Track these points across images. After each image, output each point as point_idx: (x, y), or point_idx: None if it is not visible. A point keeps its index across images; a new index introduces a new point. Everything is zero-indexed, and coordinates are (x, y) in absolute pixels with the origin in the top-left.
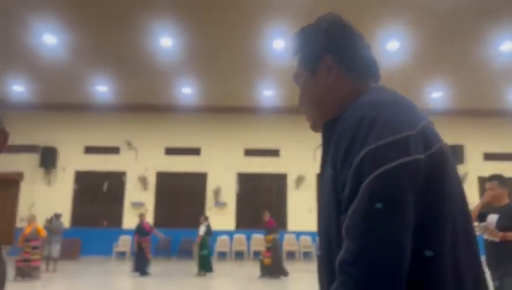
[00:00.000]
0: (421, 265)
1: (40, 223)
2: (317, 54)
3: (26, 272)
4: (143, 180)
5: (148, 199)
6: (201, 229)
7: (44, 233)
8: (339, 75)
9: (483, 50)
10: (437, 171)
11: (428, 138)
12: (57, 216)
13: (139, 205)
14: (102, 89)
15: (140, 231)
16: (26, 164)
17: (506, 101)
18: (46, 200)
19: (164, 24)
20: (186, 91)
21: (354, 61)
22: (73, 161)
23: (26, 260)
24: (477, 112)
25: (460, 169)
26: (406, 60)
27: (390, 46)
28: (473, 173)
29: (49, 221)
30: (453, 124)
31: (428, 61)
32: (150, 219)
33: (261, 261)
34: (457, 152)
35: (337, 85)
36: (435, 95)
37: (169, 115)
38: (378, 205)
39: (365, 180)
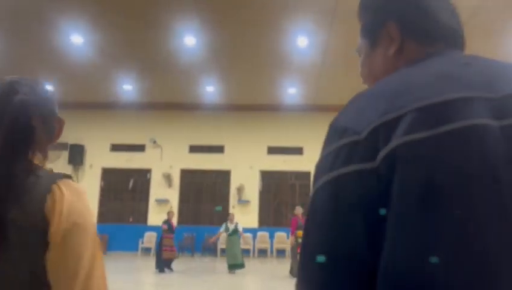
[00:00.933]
0: None
1: None
2: (378, 20)
3: None
4: (167, 178)
5: (173, 196)
6: (231, 228)
7: None
8: (403, 45)
9: (507, 47)
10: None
11: (374, 143)
12: None
13: (163, 202)
14: (128, 87)
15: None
16: (55, 161)
17: None
18: None
19: (188, 23)
20: (210, 89)
21: (423, 28)
22: (100, 158)
23: None
24: None
25: None
26: None
27: None
28: None
29: None
30: None
31: None
32: (174, 216)
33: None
34: None
35: (398, 57)
36: None
37: (193, 113)
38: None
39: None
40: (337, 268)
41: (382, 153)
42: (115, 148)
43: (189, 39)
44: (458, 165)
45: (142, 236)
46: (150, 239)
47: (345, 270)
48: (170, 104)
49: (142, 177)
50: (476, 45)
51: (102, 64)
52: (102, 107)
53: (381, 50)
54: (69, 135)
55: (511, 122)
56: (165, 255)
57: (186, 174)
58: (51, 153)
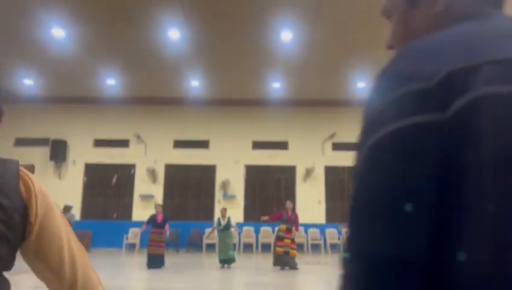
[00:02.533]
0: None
1: None
2: None
3: None
4: (152, 173)
5: (157, 192)
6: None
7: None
8: (451, 1)
9: None
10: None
11: (447, 92)
12: (68, 208)
13: (148, 197)
14: (111, 82)
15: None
16: (37, 157)
17: None
18: (57, 192)
19: (172, 16)
20: (195, 84)
21: None
22: (83, 153)
23: None
24: None
25: None
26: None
27: None
28: None
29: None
30: None
31: None
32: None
33: (287, 254)
34: None
35: (443, 16)
36: None
37: (177, 107)
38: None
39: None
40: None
41: (457, 105)
42: (99, 143)
43: (173, 33)
44: None
45: (126, 232)
46: (134, 235)
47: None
48: (154, 98)
49: (126, 172)
50: None
51: (84, 58)
52: (85, 101)
53: (424, 8)
54: (51, 131)
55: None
56: (149, 250)
57: (170, 169)
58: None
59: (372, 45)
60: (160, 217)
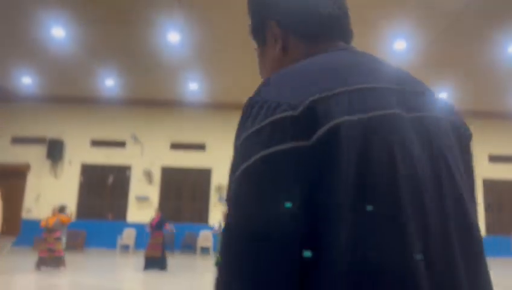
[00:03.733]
0: None
1: (45, 215)
2: (262, 20)
3: (49, 262)
4: (148, 175)
5: (153, 194)
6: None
7: (68, 221)
8: (287, 43)
9: (490, 52)
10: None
11: (310, 120)
12: (62, 208)
13: (143, 199)
14: (109, 83)
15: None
16: (33, 156)
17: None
18: (52, 192)
19: (172, 19)
20: (193, 87)
21: (301, 22)
22: (80, 153)
23: (50, 250)
24: (484, 114)
25: None
26: (414, 60)
27: (398, 46)
28: (478, 175)
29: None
30: None
31: (436, 62)
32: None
33: None
34: None
35: (286, 55)
36: (442, 96)
37: (175, 110)
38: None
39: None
40: (272, 252)
41: (319, 132)
42: (95, 144)
43: (173, 36)
44: (379, 152)
45: (121, 233)
46: (129, 236)
47: (280, 255)
48: (152, 100)
49: (122, 173)
50: (459, 50)
51: (83, 58)
52: (83, 102)
53: (271, 50)
54: (48, 130)
55: (416, 115)
56: (146, 252)
57: (167, 171)
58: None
59: None
60: (155, 221)
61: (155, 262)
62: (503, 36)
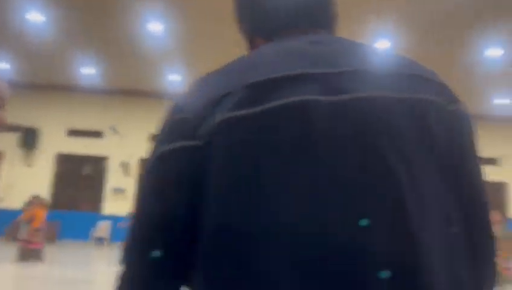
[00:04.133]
0: None
1: (18, 205)
2: (239, 24)
3: (28, 254)
4: (125, 166)
5: (130, 186)
6: None
7: (43, 214)
8: (254, 43)
9: (469, 55)
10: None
11: (210, 110)
12: (38, 199)
13: (120, 191)
14: (89, 71)
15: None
16: (6, 144)
17: (489, 106)
18: (26, 181)
19: (154, 8)
20: (174, 78)
21: (264, 25)
22: (55, 143)
23: (31, 242)
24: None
25: None
26: None
27: (380, 46)
28: None
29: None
30: None
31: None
32: (130, 205)
33: None
34: None
35: (251, 46)
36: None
37: (156, 101)
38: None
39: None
40: (156, 240)
41: (205, 130)
42: (72, 133)
43: (154, 25)
44: (272, 144)
45: (95, 225)
46: (104, 228)
47: (164, 241)
48: (132, 91)
49: (98, 164)
50: (446, 49)
51: (61, 45)
52: (60, 89)
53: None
54: (23, 117)
55: (341, 98)
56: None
57: (145, 163)
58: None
59: None
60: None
61: None
62: (481, 39)
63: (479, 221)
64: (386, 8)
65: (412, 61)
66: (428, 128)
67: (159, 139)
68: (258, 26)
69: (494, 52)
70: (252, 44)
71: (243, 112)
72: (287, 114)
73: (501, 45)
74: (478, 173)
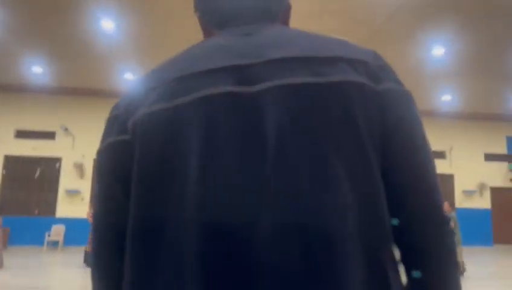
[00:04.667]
0: None
1: None
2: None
3: None
4: (79, 168)
5: (85, 188)
6: None
7: None
8: (208, 32)
9: (417, 53)
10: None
11: (135, 106)
12: None
13: (74, 193)
14: (37, 70)
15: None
16: None
17: (437, 102)
18: None
19: (106, 5)
20: (128, 77)
21: (212, 14)
22: (3, 145)
23: None
24: None
25: None
26: None
27: None
28: None
29: None
30: None
31: None
32: (85, 207)
33: None
34: None
35: (204, 35)
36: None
37: (110, 100)
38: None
39: None
40: (100, 229)
41: (129, 124)
42: (21, 134)
43: (107, 22)
44: (179, 138)
45: (49, 229)
46: (58, 232)
47: (104, 229)
48: (85, 89)
49: (51, 166)
50: (390, 49)
51: (7, 42)
52: (7, 89)
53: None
54: None
55: (260, 88)
56: (87, 247)
57: None
58: None
59: None
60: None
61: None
62: (428, 38)
63: (419, 206)
64: (332, 8)
65: (342, 42)
66: (348, 109)
67: (102, 137)
68: (208, 17)
69: (437, 50)
70: (206, 33)
71: (160, 106)
72: (196, 108)
73: (443, 44)
74: (412, 149)
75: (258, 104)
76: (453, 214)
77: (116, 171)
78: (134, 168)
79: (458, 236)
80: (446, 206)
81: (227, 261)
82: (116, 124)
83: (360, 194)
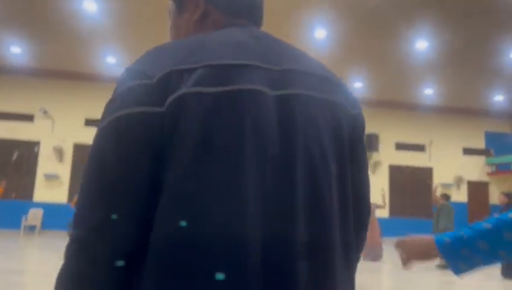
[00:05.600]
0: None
1: None
2: None
3: None
4: (59, 152)
5: (64, 172)
6: None
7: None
8: (207, 11)
9: (401, 46)
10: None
11: (174, 81)
12: None
13: (53, 177)
14: (16, 50)
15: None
16: None
17: (419, 96)
18: None
19: None
20: (112, 60)
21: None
22: None
23: None
24: (393, 104)
25: (374, 157)
26: (333, 48)
27: (318, 35)
28: (385, 162)
29: None
30: (371, 114)
31: (353, 51)
32: (64, 192)
33: None
34: (373, 141)
35: (203, 23)
36: (356, 85)
37: (91, 84)
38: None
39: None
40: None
41: (170, 99)
42: None
43: (89, 4)
44: (228, 123)
45: (26, 213)
46: (35, 216)
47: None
48: (65, 72)
49: (29, 150)
50: (374, 42)
51: None
52: None
53: (188, 15)
54: None
55: (283, 93)
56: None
57: (80, 149)
58: None
59: None
60: (74, 201)
61: None
62: (412, 32)
63: (360, 216)
64: (320, 0)
65: (324, 65)
66: (339, 126)
67: (117, 102)
68: (228, 3)
69: (421, 44)
70: (204, 15)
71: (207, 89)
72: (242, 98)
73: (426, 38)
74: (364, 176)
75: (283, 107)
76: (444, 203)
77: (143, 143)
78: (177, 146)
79: (443, 223)
80: (436, 196)
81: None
82: (143, 93)
83: (342, 204)
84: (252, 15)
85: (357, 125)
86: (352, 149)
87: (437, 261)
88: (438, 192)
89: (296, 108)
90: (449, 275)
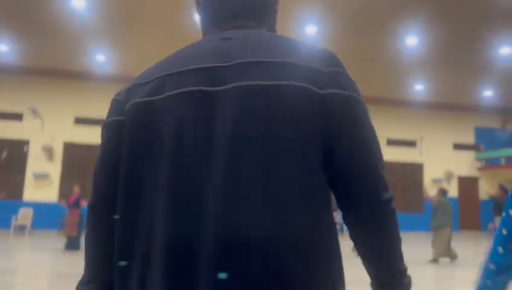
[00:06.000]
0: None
1: None
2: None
3: None
4: (48, 151)
5: (54, 171)
6: None
7: None
8: (201, 27)
9: (392, 43)
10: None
11: (131, 95)
12: None
13: (43, 176)
14: (3, 48)
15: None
16: None
17: (409, 92)
18: None
19: None
20: (100, 58)
21: (205, 18)
22: None
23: None
24: (382, 100)
25: None
26: (324, 44)
27: (309, 30)
28: None
29: None
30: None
31: (343, 48)
32: (55, 191)
33: None
34: None
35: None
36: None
37: (81, 82)
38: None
39: None
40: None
41: (125, 109)
42: None
43: (77, 1)
44: (144, 128)
45: (16, 213)
46: (25, 216)
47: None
48: (55, 70)
49: (18, 149)
50: (364, 38)
51: None
52: None
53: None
54: None
55: (220, 89)
56: (64, 232)
57: (70, 147)
58: None
59: None
60: (72, 199)
61: (72, 241)
62: (402, 28)
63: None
64: None
65: (298, 47)
66: (293, 111)
67: (107, 114)
68: (204, 21)
69: (411, 40)
70: (202, 30)
71: (146, 99)
72: (172, 103)
73: (416, 34)
74: (351, 149)
75: (216, 102)
76: (441, 200)
77: (113, 142)
78: (124, 144)
79: (437, 221)
80: (428, 195)
81: (185, 212)
82: (117, 107)
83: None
84: (232, 20)
85: (329, 105)
86: (327, 132)
87: (430, 256)
88: (428, 193)
89: (225, 100)
90: (445, 270)
